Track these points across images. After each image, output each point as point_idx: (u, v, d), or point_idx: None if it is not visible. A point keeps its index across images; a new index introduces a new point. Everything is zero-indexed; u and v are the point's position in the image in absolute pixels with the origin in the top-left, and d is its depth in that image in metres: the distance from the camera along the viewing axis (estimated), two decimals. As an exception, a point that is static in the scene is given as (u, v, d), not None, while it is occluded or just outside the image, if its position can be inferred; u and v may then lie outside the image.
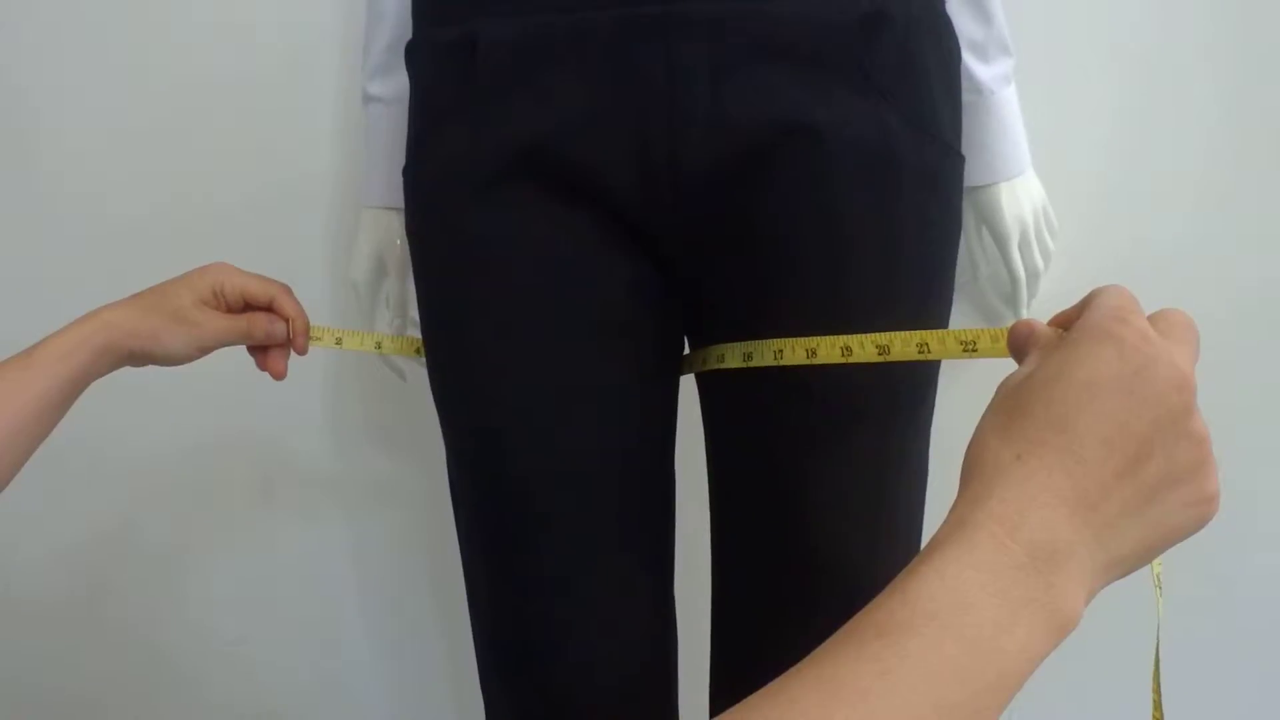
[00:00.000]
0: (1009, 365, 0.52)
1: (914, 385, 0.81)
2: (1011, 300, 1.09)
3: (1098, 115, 1.11)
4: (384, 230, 1.02)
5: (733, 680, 0.86)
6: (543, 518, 0.80)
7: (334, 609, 1.35)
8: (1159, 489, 0.45)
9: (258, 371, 0.93)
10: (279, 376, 0.93)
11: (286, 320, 0.91)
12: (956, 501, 0.45)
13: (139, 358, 0.85)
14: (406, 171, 0.84)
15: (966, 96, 0.87)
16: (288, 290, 0.93)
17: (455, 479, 0.85)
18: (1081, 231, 1.11)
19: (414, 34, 0.84)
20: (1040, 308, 1.10)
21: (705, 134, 0.75)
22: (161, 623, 1.36)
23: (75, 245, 1.26)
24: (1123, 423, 0.44)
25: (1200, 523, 0.47)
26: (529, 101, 0.76)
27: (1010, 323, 1.13)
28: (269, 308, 0.91)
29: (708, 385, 0.86)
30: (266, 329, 0.91)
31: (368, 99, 1.00)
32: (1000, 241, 1.03)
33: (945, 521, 0.44)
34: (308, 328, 0.92)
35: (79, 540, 1.34)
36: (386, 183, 0.98)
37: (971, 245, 1.08)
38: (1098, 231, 1.11)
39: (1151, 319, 0.49)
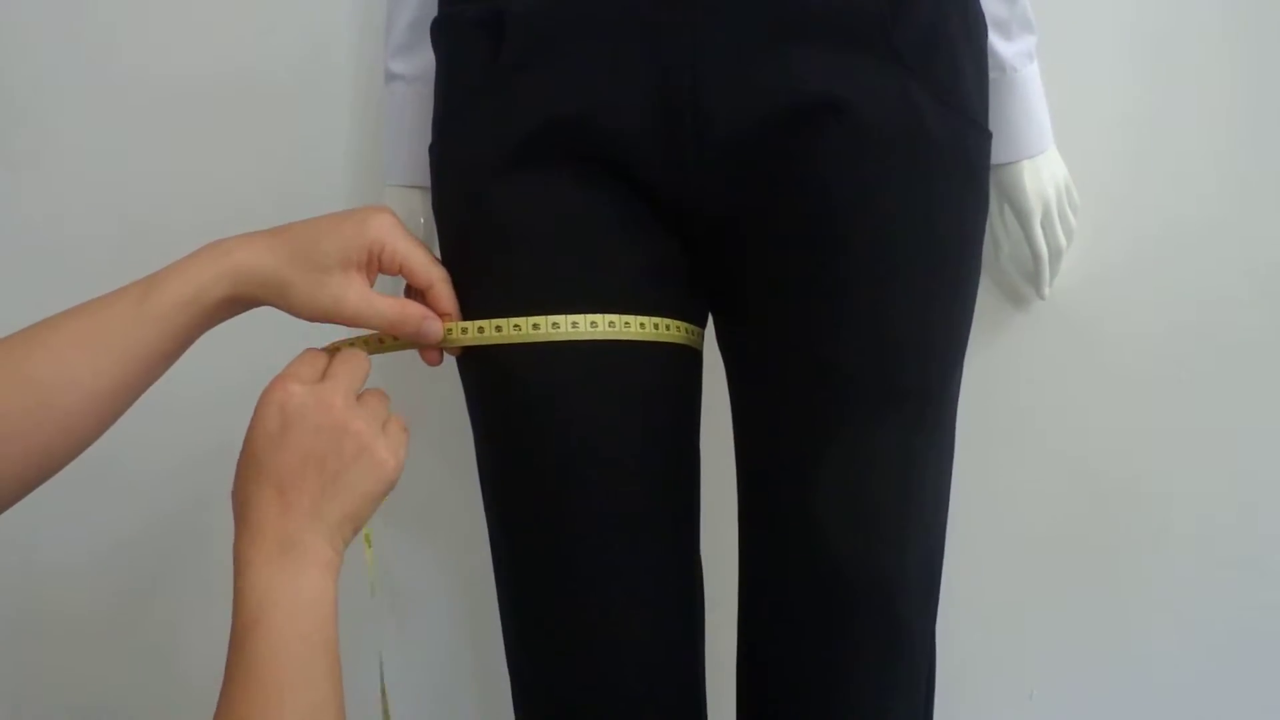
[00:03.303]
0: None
1: (942, 369, 0.81)
2: (1034, 278, 1.08)
3: (1120, 92, 1.10)
4: (407, 208, 1.01)
5: (760, 673, 0.86)
6: (569, 495, 0.80)
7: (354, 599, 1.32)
8: (342, 474, 0.67)
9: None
10: (433, 364, 0.81)
11: (442, 319, 0.77)
12: (238, 537, 0.67)
13: (260, 305, 0.74)
14: (432, 149, 0.84)
15: (990, 74, 0.87)
16: (448, 279, 0.78)
17: (482, 460, 0.85)
18: (1104, 209, 1.10)
19: (439, 10, 0.83)
20: (1062, 285, 1.10)
21: (732, 109, 0.75)
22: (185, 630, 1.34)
23: (91, 242, 1.24)
24: (298, 454, 0.66)
25: (386, 479, 0.69)
26: (555, 77, 0.76)
27: (1032, 300, 1.14)
28: (424, 294, 0.78)
29: (734, 363, 0.86)
30: (418, 328, 0.77)
31: (390, 77, 0.99)
32: (1023, 219, 1.03)
33: (240, 559, 0.66)
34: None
35: (111, 541, 1.32)
36: (410, 161, 0.98)
37: (994, 223, 1.08)
38: (1120, 209, 1.11)
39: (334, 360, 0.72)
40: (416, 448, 1.24)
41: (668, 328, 0.80)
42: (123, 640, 1.35)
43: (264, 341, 1.05)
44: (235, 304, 0.73)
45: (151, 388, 0.74)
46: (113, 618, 1.34)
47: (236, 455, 1.21)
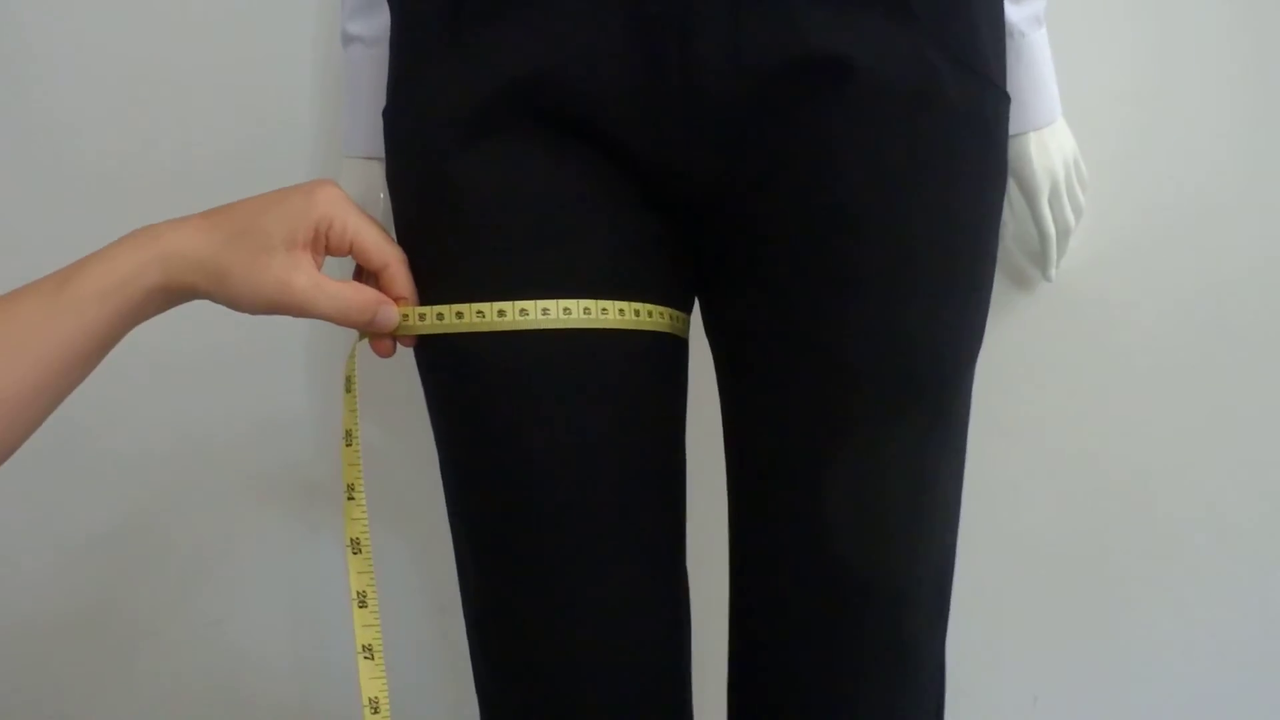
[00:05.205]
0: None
1: (957, 363, 0.76)
2: (1040, 259, 1.05)
3: (1131, 63, 1.07)
4: (366, 182, 0.96)
5: (757, 689, 0.80)
6: (539, 502, 0.73)
7: (325, 601, 1.30)
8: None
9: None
10: (384, 355, 0.74)
11: (397, 304, 0.71)
12: None
13: (196, 297, 0.67)
14: (386, 114, 0.77)
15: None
16: (404, 260, 0.72)
17: (443, 461, 0.79)
18: (1114, 187, 1.07)
19: (395, -39, 0.77)
20: (1069, 266, 1.07)
21: (726, 65, 0.68)
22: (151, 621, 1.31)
23: (42, 198, 1.20)
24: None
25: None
26: (523, 32, 0.69)
27: (1038, 282, 1.09)
28: (377, 277, 0.72)
29: (724, 353, 0.80)
30: (374, 315, 0.70)
31: (347, 39, 0.93)
32: (1029, 196, 0.99)
33: None
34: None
35: (71, 542, 1.28)
36: (368, 130, 0.92)
37: (998, 201, 1.03)
38: (1131, 187, 1.08)
39: None
40: (407, 429, 1.22)
41: (649, 314, 0.74)
42: (85, 644, 1.31)
43: (226, 340, 0.99)
44: (167, 294, 0.66)
45: (112, 365, 0.67)
46: (74, 621, 1.31)
47: (198, 455, 1.20)
